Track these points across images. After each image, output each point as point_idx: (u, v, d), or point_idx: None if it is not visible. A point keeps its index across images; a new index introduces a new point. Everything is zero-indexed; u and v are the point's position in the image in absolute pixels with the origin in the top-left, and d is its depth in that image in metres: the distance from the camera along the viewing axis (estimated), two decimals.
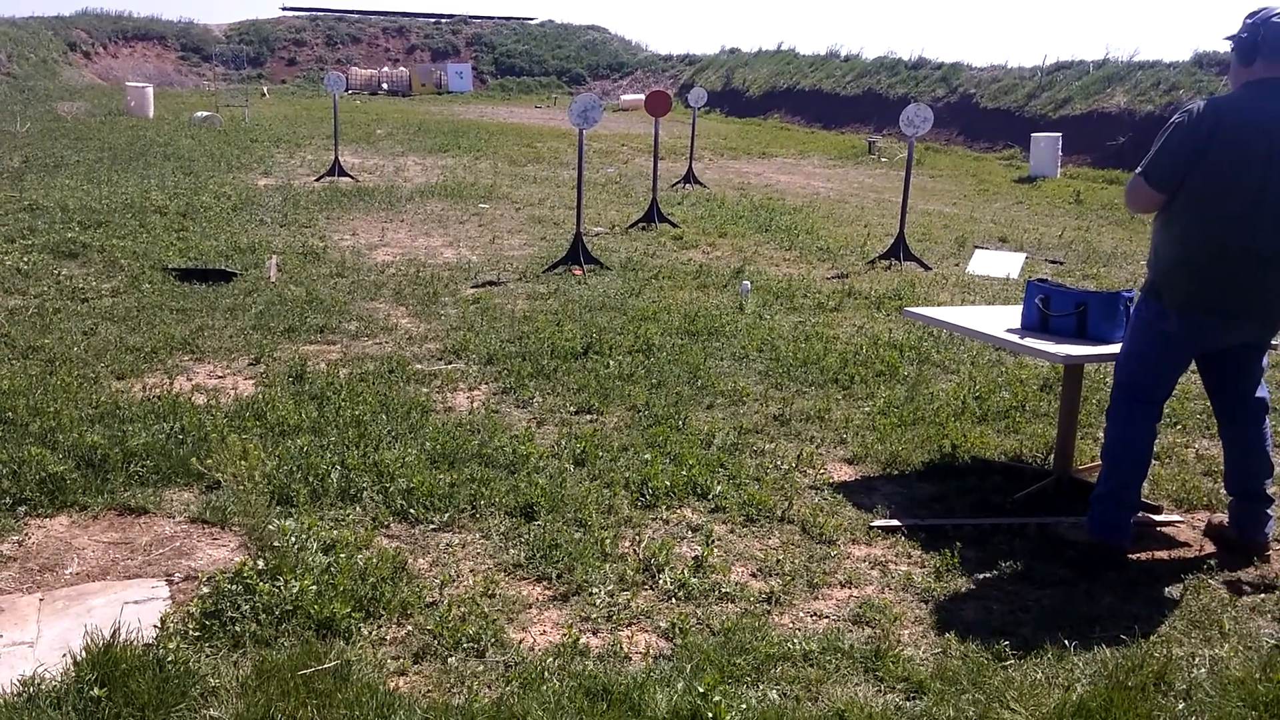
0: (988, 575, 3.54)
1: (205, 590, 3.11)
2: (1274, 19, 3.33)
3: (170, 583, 3.25)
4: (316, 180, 13.33)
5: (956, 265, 9.42)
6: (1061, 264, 9.71)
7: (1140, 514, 3.85)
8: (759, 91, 32.12)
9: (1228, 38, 3.48)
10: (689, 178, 14.85)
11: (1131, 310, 3.79)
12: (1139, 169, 3.54)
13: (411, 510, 3.80)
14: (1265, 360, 3.73)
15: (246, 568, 3.14)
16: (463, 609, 3.13)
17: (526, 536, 3.64)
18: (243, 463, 3.58)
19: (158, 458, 4.06)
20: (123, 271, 7.48)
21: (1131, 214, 3.79)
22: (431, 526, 3.73)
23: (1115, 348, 3.91)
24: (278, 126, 21.06)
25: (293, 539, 3.38)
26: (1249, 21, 3.40)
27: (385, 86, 37.71)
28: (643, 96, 17.62)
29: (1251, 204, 3.34)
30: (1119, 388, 3.68)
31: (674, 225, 10.81)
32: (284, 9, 44.50)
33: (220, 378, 5.33)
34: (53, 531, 3.58)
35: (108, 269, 7.61)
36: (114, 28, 37.35)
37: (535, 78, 41.80)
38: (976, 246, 10.25)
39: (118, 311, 6.40)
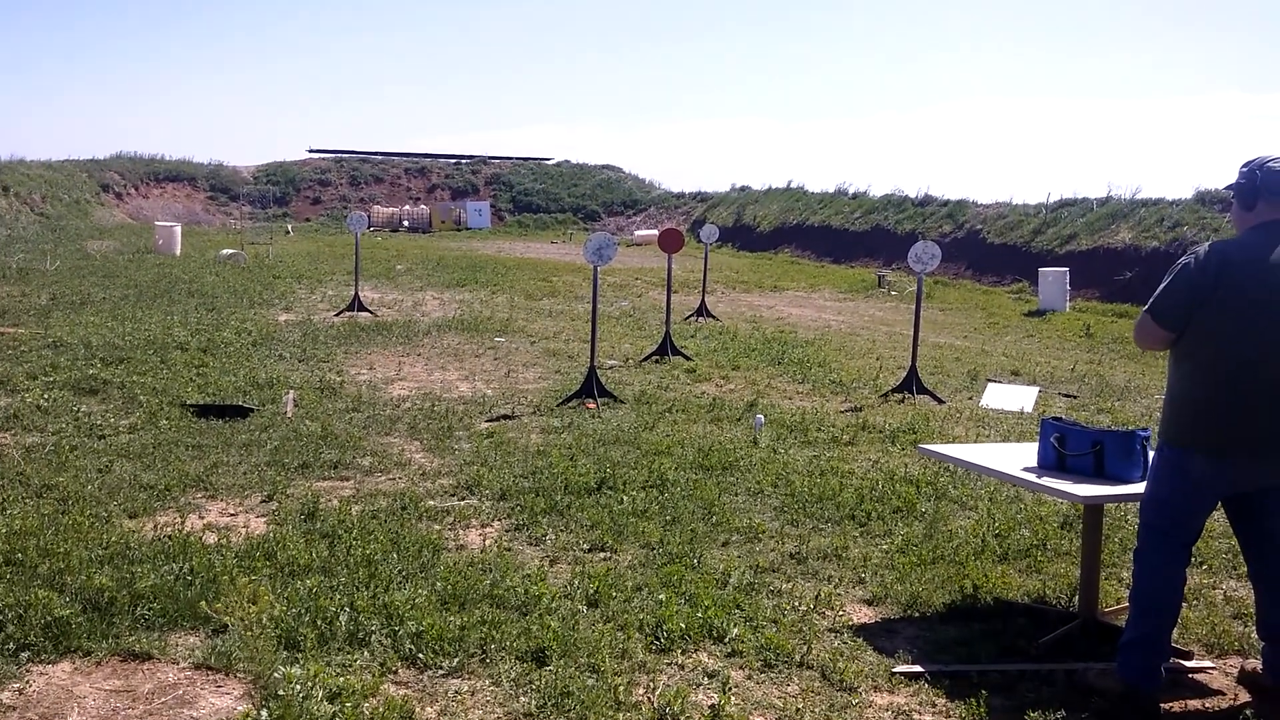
0: None
1: None
2: (1270, 164, 3.46)
3: None
4: (336, 315, 13.58)
5: (970, 399, 9.42)
6: (1075, 398, 9.69)
7: (1170, 660, 3.72)
8: (769, 227, 32.90)
9: (1228, 187, 3.59)
10: (702, 311, 15.07)
11: (1152, 451, 3.76)
12: (1146, 307, 3.60)
13: (420, 655, 3.71)
14: None
15: (249, 718, 3.05)
16: None
17: (538, 683, 3.54)
18: (251, 606, 3.53)
19: (165, 600, 4.01)
20: (141, 408, 7.55)
21: (1141, 350, 3.84)
22: (440, 672, 3.63)
23: (1135, 487, 3.87)
24: (300, 263, 21.61)
25: (298, 686, 3.30)
26: (1245, 170, 3.52)
27: (406, 224, 38.83)
28: (656, 233, 18.06)
29: (1267, 342, 3.36)
30: (1145, 530, 3.62)
31: (687, 358, 10.90)
32: (310, 151, 46.34)
33: (232, 515, 5.31)
34: (54, 679, 3.50)
35: (127, 405, 7.69)
36: (146, 170, 38.88)
37: (552, 214, 43.02)
38: (989, 380, 10.27)
39: (134, 448, 6.44)
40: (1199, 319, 3.45)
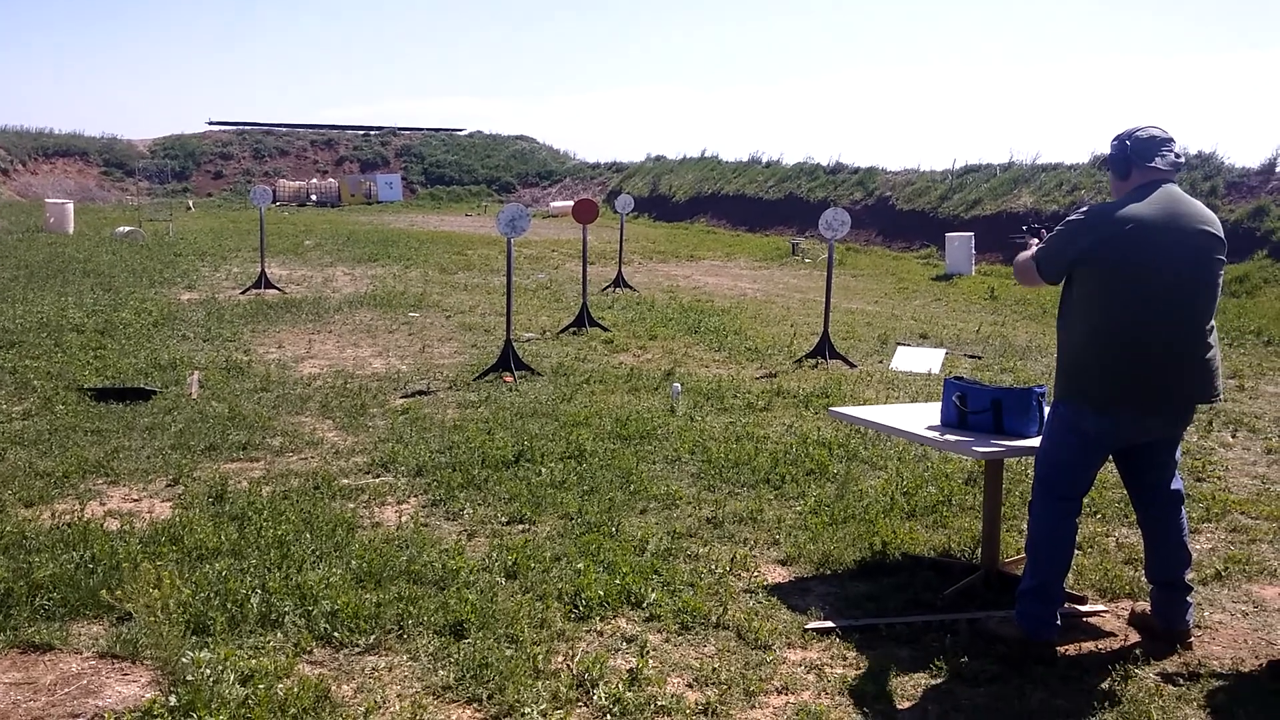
0: (922, 675, 3.54)
1: None
2: (1138, 134, 3.67)
3: None
4: (242, 293, 13.20)
5: (880, 362, 9.65)
6: (980, 358, 10.01)
7: (1066, 605, 3.90)
8: (685, 197, 33.00)
9: (1101, 164, 3.77)
10: (619, 282, 15.07)
11: (1047, 408, 3.91)
12: (1032, 254, 3.81)
13: (336, 634, 3.67)
14: (1178, 453, 3.87)
15: (157, 705, 2.99)
16: None
17: (456, 656, 3.53)
18: (155, 592, 3.43)
19: (65, 589, 3.88)
20: (35, 393, 7.25)
21: (1020, 284, 4.07)
22: (357, 650, 3.60)
23: (1032, 441, 4.03)
24: (203, 240, 20.92)
25: (207, 671, 3.23)
26: (1115, 142, 3.72)
27: (314, 198, 37.85)
28: (571, 204, 17.95)
29: (1158, 299, 3.52)
30: (1039, 484, 3.77)
31: (604, 329, 10.91)
32: (210, 123, 44.74)
33: (136, 501, 5.16)
34: None
35: (19, 391, 7.37)
36: (34, 144, 37.08)
37: (465, 186, 42.41)
38: (898, 343, 10.52)
39: (28, 435, 6.19)
40: (1081, 278, 3.62)
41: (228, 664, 3.30)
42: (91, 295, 12.23)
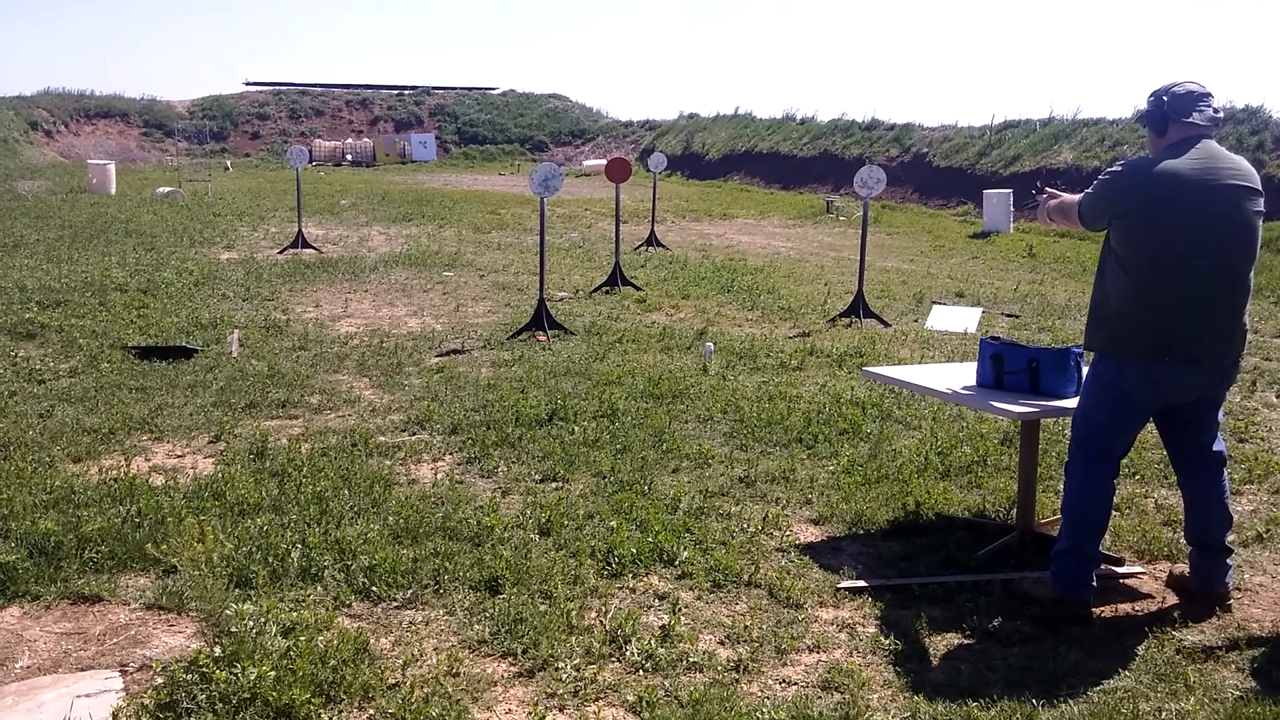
0: (955, 634, 3.54)
1: (160, 680, 3.03)
2: (1174, 89, 3.61)
3: (124, 673, 3.17)
4: (280, 253, 13.32)
5: (915, 321, 9.55)
6: (1018, 317, 9.88)
7: (1102, 567, 3.88)
8: (718, 154, 32.69)
9: (1139, 120, 3.70)
10: (651, 240, 15.01)
11: (1086, 367, 3.86)
12: (1078, 199, 3.79)
13: (374, 588, 3.74)
14: (1220, 414, 3.81)
15: (203, 655, 3.07)
16: (426, 690, 3.07)
17: (491, 611, 3.59)
18: (199, 546, 3.52)
19: (113, 543, 3.98)
20: (81, 351, 7.40)
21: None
22: (394, 604, 3.67)
23: (1069, 402, 3.98)
24: (241, 200, 21.09)
25: (250, 623, 3.31)
26: (1152, 98, 3.66)
27: (349, 158, 37.96)
28: (604, 163, 17.85)
29: (1195, 254, 3.47)
30: (1076, 445, 3.73)
31: (637, 288, 10.89)
32: (247, 83, 44.90)
33: (179, 457, 5.26)
34: (3, 623, 3.48)
35: (66, 349, 7.52)
36: (76, 106, 37.46)
37: (498, 145, 42.32)
38: (934, 302, 10.41)
39: (75, 392, 6.32)
40: (1119, 233, 3.59)
41: (270, 616, 3.38)
42: (134, 255, 12.41)
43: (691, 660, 3.31)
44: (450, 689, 3.09)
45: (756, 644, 3.43)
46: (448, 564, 3.91)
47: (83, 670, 3.19)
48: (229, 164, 33.91)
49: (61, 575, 3.77)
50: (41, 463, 4.98)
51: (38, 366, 6.93)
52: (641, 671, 3.25)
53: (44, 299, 9.21)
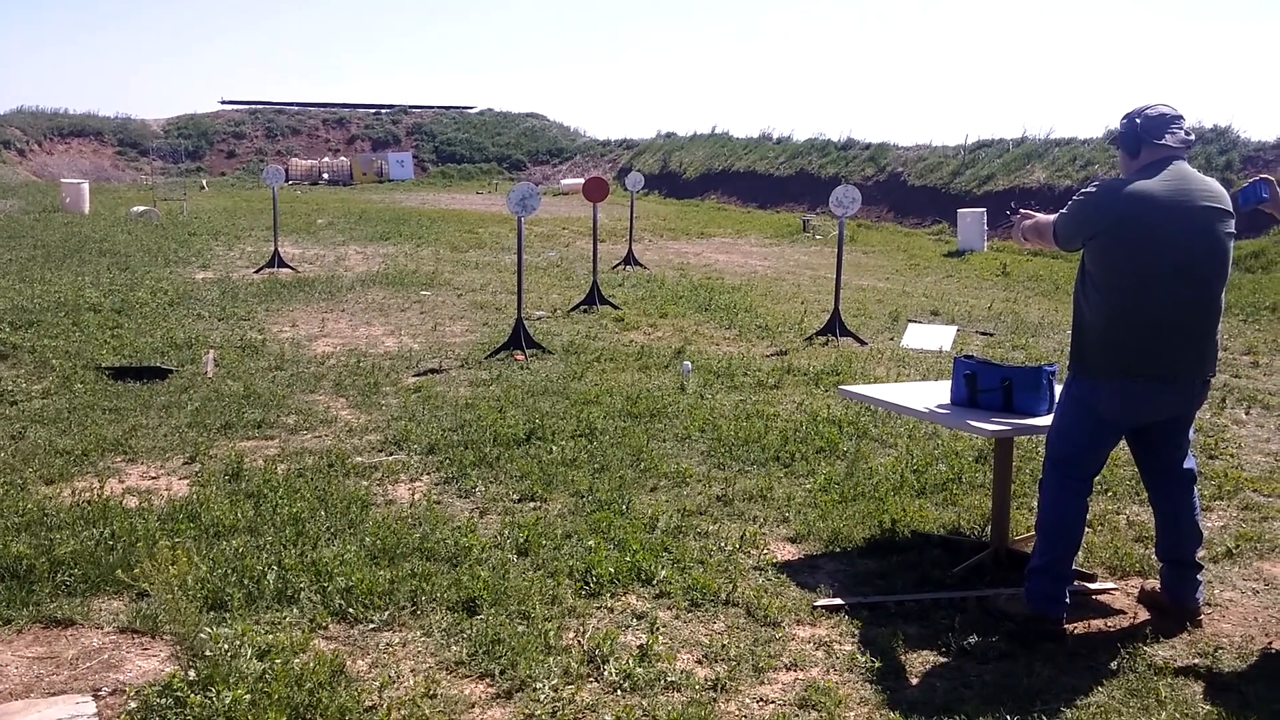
0: (930, 652, 3.57)
1: (133, 705, 3.01)
2: (1147, 111, 3.68)
3: (98, 698, 3.13)
4: (256, 272, 13.26)
5: (891, 339, 9.63)
6: (992, 335, 9.98)
7: (1075, 583, 3.92)
8: (695, 173, 32.86)
9: (1111, 141, 3.77)
10: (629, 259, 15.06)
11: (1060, 386, 3.92)
12: (1053, 219, 3.82)
13: (351, 610, 3.73)
14: (1191, 432, 3.87)
15: (177, 679, 3.04)
16: (403, 712, 3.06)
17: (469, 632, 3.58)
18: (173, 568, 3.49)
19: (86, 566, 3.95)
20: (54, 372, 7.33)
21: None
22: (371, 626, 3.66)
23: (1042, 420, 4.03)
24: (217, 219, 20.99)
25: (225, 646, 3.29)
26: (1125, 120, 3.72)
27: (326, 176, 37.85)
28: (581, 182, 17.93)
29: (1168, 275, 3.54)
30: (1050, 463, 3.78)
31: (615, 307, 10.92)
32: (223, 102, 44.72)
33: (154, 479, 5.22)
34: None
35: (38, 370, 7.45)
36: (49, 125, 37.16)
37: (476, 164, 42.32)
38: (909, 320, 10.50)
39: (48, 413, 6.26)
40: (1093, 254, 3.64)
41: (245, 639, 3.35)
42: (108, 275, 12.31)
43: (669, 680, 3.31)
44: (428, 711, 3.08)
45: (734, 663, 3.44)
46: (425, 585, 3.90)
47: (55, 695, 3.15)
48: (204, 183, 33.73)
49: (33, 599, 3.73)
50: (13, 485, 4.92)
51: (10, 387, 6.86)
52: (619, 691, 3.25)
53: (16, 319, 9.12)
